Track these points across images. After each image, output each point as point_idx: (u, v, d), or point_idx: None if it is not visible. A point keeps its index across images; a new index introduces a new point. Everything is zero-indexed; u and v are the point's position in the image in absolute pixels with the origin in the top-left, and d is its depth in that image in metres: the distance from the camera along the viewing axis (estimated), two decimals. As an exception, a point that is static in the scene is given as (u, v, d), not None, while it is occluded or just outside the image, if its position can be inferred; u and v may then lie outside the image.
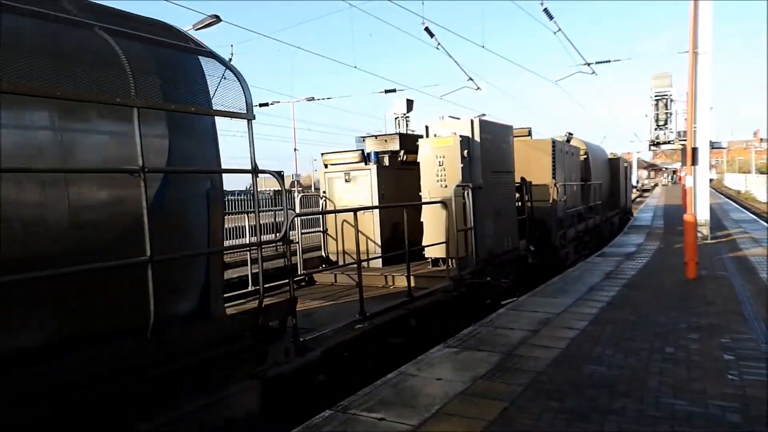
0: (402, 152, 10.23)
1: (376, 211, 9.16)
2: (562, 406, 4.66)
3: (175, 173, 4.35)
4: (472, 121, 9.56)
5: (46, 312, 3.57)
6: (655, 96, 36.54)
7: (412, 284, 7.66)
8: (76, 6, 4.10)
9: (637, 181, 72.28)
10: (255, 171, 4.93)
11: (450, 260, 8.72)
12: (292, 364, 5.20)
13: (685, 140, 17.08)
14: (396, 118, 22.30)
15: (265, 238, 5.26)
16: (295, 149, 39.53)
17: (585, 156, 17.84)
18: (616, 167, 24.33)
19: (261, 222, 5.07)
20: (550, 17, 15.43)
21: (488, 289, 9.33)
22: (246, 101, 4.87)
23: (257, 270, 4.98)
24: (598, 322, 7.43)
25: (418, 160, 9.37)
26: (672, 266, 11.76)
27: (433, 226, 8.98)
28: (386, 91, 23.74)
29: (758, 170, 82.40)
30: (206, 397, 4.38)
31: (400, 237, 8.15)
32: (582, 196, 17.01)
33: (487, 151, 9.77)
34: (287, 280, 6.05)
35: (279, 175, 5.49)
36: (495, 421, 4.41)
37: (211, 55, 4.91)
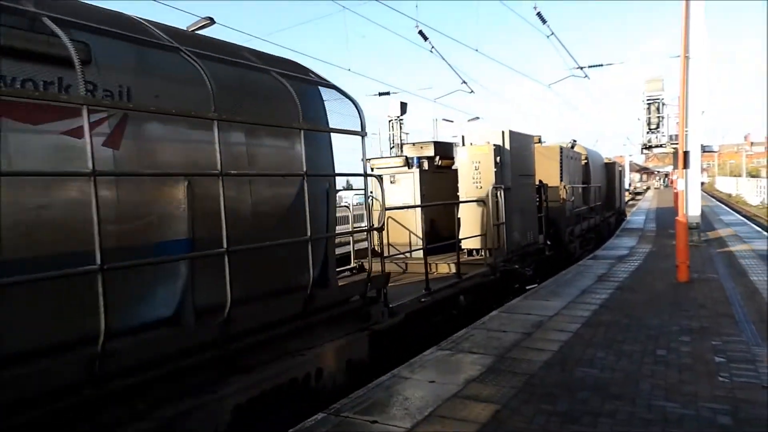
0: (437, 158, 11.55)
1: (419, 208, 10.31)
2: (555, 408, 4.68)
3: (310, 176, 5.56)
4: (503, 132, 10.93)
5: (247, 274, 4.89)
6: (648, 100, 36.79)
7: (453, 270, 9.31)
8: (251, 53, 5.83)
9: (629, 184, 72.63)
10: (365, 174, 6.56)
11: (486, 250, 10.38)
12: (387, 323, 6.83)
13: (676, 144, 17.20)
14: (390, 121, 22.34)
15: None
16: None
17: (586, 161, 19.20)
18: (612, 171, 25.88)
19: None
20: (543, 21, 15.52)
21: (516, 275, 10.87)
22: (360, 122, 6.21)
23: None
24: (590, 324, 7.45)
25: (451, 165, 10.89)
26: (664, 269, 11.82)
27: (470, 222, 10.36)
28: (380, 94, 23.79)
29: (749, 174, 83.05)
30: (342, 339, 6.07)
31: (436, 231, 9.97)
32: (584, 197, 18.36)
33: (515, 157, 11.16)
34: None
35: (380, 179, 6.94)
36: (487, 423, 4.42)
37: (334, 87, 6.44)
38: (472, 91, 18.75)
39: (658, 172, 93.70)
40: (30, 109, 3.62)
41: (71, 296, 3.67)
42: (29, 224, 3.63)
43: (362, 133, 6.19)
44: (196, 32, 6.76)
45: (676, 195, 15.83)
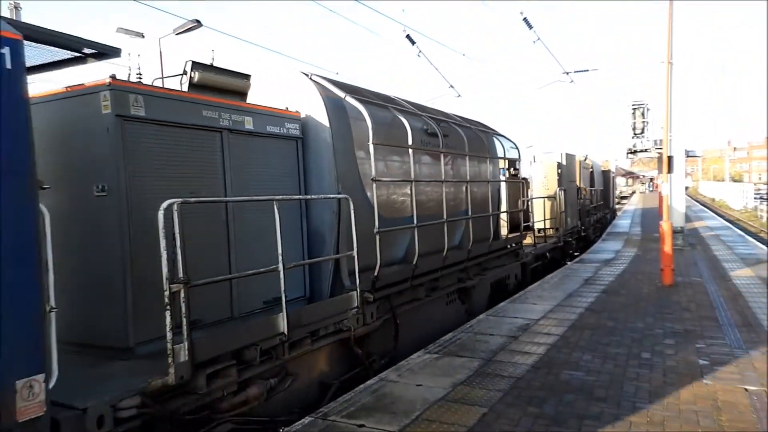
0: (511, 169, 14.37)
1: (504, 204, 12.89)
2: (541, 411, 4.71)
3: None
4: (561, 153, 17.27)
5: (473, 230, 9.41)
6: (633, 105, 37.17)
7: (531, 241, 14.38)
8: (463, 119, 10.68)
9: (614, 188, 73.27)
10: (521, 181, 12.44)
11: (554, 229, 16.08)
12: (525, 259, 12.43)
13: (661, 148, 17.44)
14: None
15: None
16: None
17: (591, 169, 24.35)
18: (607, 177, 32.33)
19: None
20: (530, 27, 15.64)
21: (569, 247, 17.27)
22: (517, 152, 12.47)
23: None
24: (576, 327, 7.51)
25: (516, 175, 14.44)
26: (649, 273, 11.94)
27: (540, 212, 15.59)
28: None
29: (732, 178, 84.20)
30: (511, 264, 11.70)
31: (512, 221, 13.42)
32: (591, 197, 23.84)
33: (565, 169, 17.34)
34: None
35: (525, 182, 11.01)
36: (474, 427, 4.44)
37: (502, 135, 11.85)
38: (459, 95, 18.86)
39: (643, 176, 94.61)
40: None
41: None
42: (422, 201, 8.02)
43: (519, 159, 13.05)
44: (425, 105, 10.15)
45: (660, 199, 16.07)
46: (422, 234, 7.32)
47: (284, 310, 5.02)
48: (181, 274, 4.02)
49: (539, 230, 15.26)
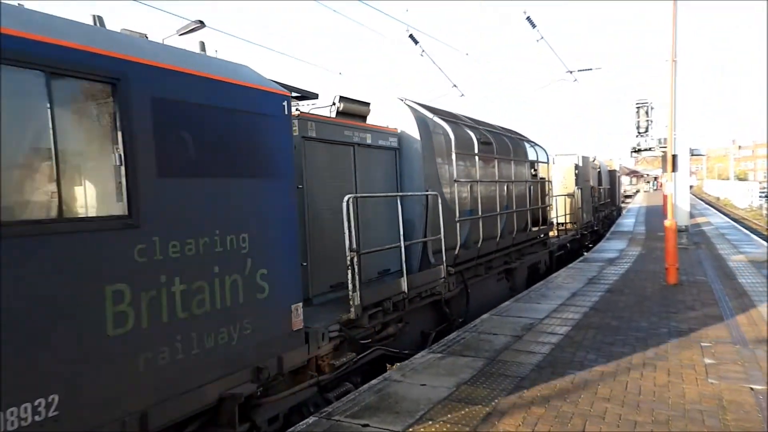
0: (531, 170, 15.04)
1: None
2: (545, 411, 4.70)
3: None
4: (577, 156, 19.44)
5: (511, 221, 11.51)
6: (637, 103, 37.02)
7: (554, 234, 16.41)
8: (514, 132, 13.47)
9: (620, 187, 73.14)
10: (547, 180, 15.03)
11: (572, 223, 18.32)
12: (552, 248, 14.86)
13: (665, 147, 17.38)
14: (381, 125, 22.29)
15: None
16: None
17: (599, 169, 25.91)
18: (614, 176, 34.63)
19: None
20: (533, 25, 15.61)
21: (585, 239, 19.92)
22: (546, 156, 15.01)
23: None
24: (580, 327, 7.50)
25: (536, 175, 14.97)
26: (653, 271, 11.91)
27: (561, 208, 17.33)
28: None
29: (736, 177, 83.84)
30: (540, 252, 13.95)
31: (533, 216, 14.10)
32: (600, 195, 25.75)
33: (582, 171, 19.73)
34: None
35: (549, 182, 13.39)
36: (478, 426, 4.43)
37: (535, 143, 14.28)
38: (462, 95, 18.82)
39: (648, 175, 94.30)
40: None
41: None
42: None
43: (548, 162, 15.23)
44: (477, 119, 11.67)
45: (665, 198, 16.02)
46: (483, 224, 9.69)
47: (405, 275, 7.00)
48: (354, 246, 5.83)
49: (560, 224, 17.27)
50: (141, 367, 3.68)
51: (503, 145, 11.36)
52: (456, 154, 8.91)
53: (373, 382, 5.64)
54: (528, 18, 15.22)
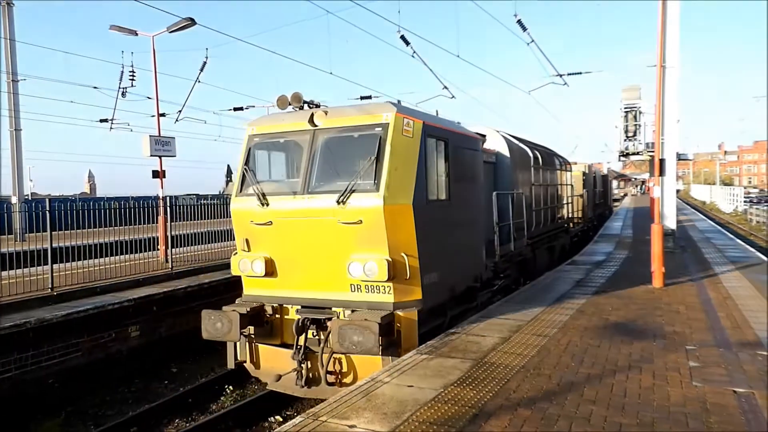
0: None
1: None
2: (531, 412, 4.72)
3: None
4: (585, 165, 25.59)
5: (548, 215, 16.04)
6: (625, 108, 37.36)
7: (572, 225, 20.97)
8: (548, 148, 17.81)
9: (611, 189, 73.74)
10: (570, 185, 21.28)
11: (581, 218, 22.55)
12: (570, 236, 20.26)
13: (653, 151, 17.54)
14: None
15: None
16: (269, 154, 39.05)
17: (594, 174, 29.82)
18: (606, 181, 38.89)
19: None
20: (524, 28, 15.68)
21: (590, 230, 24.82)
22: (567, 166, 20.14)
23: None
24: (567, 329, 7.54)
25: (561, 181, 18.78)
26: (640, 275, 11.99)
27: (574, 206, 20.72)
28: (362, 98, 23.75)
29: (722, 182, 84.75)
30: (564, 237, 18.84)
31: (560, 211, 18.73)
32: (596, 197, 30.12)
33: (588, 177, 25.18)
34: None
35: (571, 186, 20.58)
36: (465, 427, 4.43)
37: (559, 155, 19.21)
38: (453, 97, 18.88)
39: (635, 178, 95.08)
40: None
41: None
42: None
43: (570, 169, 20.23)
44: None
45: (652, 201, 16.18)
46: (541, 214, 14.41)
47: (512, 242, 11.19)
48: (496, 220, 10.36)
49: (572, 219, 21.14)
50: (456, 263, 8.59)
51: (546, 158, 15.83)
52: (531, 167, 13.51)
53: (360, 382, 5.63)
54: (519, 21, 15.28)
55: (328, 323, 7.11)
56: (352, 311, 7.12)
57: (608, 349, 6.57)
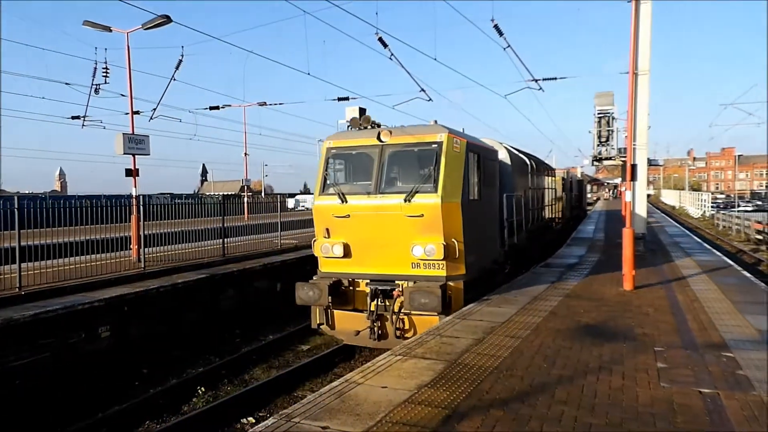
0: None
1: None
2: (503, 413, 4.77)
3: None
4: (565, 171, 34.20)
5: (538, 213, 18.92)
6: (598, 113, 37.88)
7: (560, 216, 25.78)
8: (535, 156, 20.56)
9: (586, 193, 75.10)
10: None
11: (562, 215, 26.38)
12: (559, 229, 24.80)
13: (625, 157, 17.87)
14: (349, 126, 22.28)
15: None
16: (245, 154, 38.80)
17: (571, 179, 34.18)
18: (582, 184, 45.47)
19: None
20: (500, 33, 15.81)
21: (566, 227, 27.40)
22: (552, 172, 25.14)
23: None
24: (540, 331, 7.63)
25: (548, 185, 21.80)
26: (611, 277, 12.21)
27: (556, 208, 23.81)
28: (339, 99, 23.69)
29: (691, 187, 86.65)
30: (550, 231, 22.02)
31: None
32: (572, 199, 34.10)
33: (567, 182, 29.62)
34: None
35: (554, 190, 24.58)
36: (438, 428, 4.47)
37: (544, 162, 23.93)
38: (430, 99, 18.96)
39: (608, 183, 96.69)
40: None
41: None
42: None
43: (554, 175, 24.55)
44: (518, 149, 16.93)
45: (624, 206, 16.50)
46: (533, 212, 16.51)
47: (515, 235, 13.09)
48: (507, 217, 12.60)
49: (554, 218, 23.69)
50: (485, 249, 10.93)
51: (538, 166, 18.55)
52: (527, 173, 15.86)
53: (334, 384, 5.63)
54: (496, 26, 15.41)
55: (394, 292, 9.38)
56: (414, 282, 9.24)
57: (579, 350, 6.68)
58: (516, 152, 15.04)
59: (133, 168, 15.18)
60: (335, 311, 10.05)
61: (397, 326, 9.46)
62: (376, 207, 9.51)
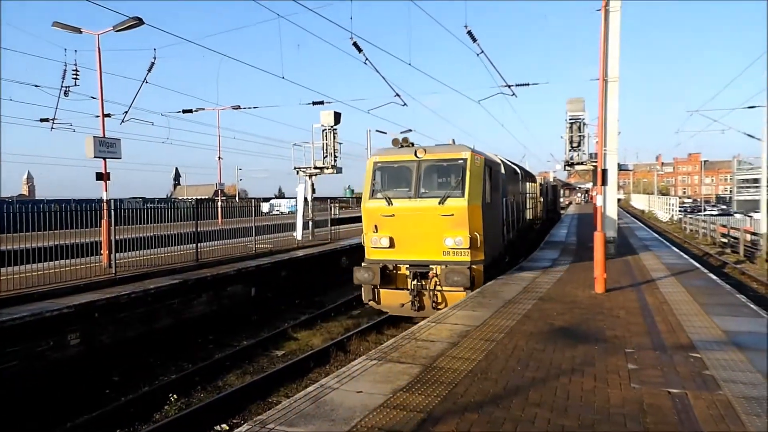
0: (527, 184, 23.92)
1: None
2: (478, 416, 4.81)
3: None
4: (543, 178, 40.43)
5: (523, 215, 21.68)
6: (570, 119, 38.49)
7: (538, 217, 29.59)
8: (517, 164, 22.13)
9: (560, 197, 76.40)
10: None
11: (539, 219, 29.21)
12: (538, 228, 28.28)
13: (596, 162, 18.22)
14: (323, 131, 22.25)
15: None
16: (219, 157, 38.43)
17: (547, 184, 37.48)
18: (557, 189, 47.79)
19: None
20: (474, 39, 15.99)
21: (544, 226, 30.97)
22: (533, 178, 29.77)
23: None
24: (514, 334, 7.72)
25: (530, 190, 24.92)
26: (583, 281, 12.40)
27: (536, 211, 27.59)
28: (314, 103, 23.66)
29: (660, 192, 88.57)
30: (532, 230, 25.68)
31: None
32: (547, 202, 36.95)
33: (544, 187, 33.92)
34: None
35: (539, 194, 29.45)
36: (413, 432, 4.48)
37: (525, 169, 27.28)
38: (405, 104, 19.08)
39: (580, 188, 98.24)
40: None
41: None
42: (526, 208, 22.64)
43: (535, 181, 28.63)
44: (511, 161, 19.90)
45: (596, 210, 16.82)
46: (520, 213, 18.55)
47: (511, 232, 16.15)
48: (505, 218, 15.26)
49: (533, 220, 26.11)
50: (495, 242, 13.58)
51: (524, 174, 21.39)
52: (518, 181, 18.54)
53: (309, 389, 5.61)
54: (469, 32, 15.59)
55: (429, 273, 11.96)
56: (446, 266, 11.71)
57: (552, 353, 6.77)
58: (509, 163, 17.96)
59: (104, 172, 14.90)
60: (381, 290, 12.49)
61: (433, 300, 11.97)
62: (416, 208, 12.03)
